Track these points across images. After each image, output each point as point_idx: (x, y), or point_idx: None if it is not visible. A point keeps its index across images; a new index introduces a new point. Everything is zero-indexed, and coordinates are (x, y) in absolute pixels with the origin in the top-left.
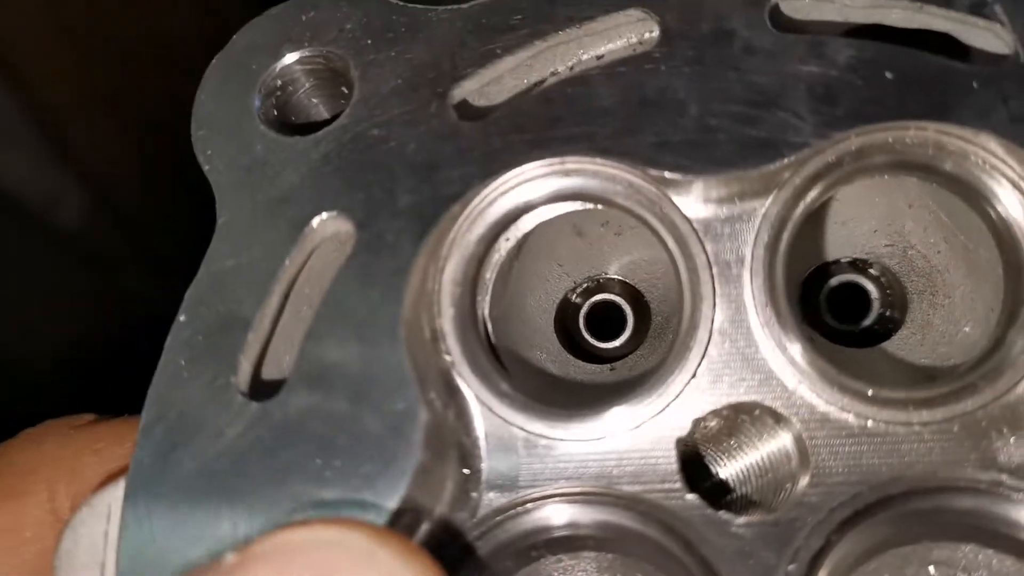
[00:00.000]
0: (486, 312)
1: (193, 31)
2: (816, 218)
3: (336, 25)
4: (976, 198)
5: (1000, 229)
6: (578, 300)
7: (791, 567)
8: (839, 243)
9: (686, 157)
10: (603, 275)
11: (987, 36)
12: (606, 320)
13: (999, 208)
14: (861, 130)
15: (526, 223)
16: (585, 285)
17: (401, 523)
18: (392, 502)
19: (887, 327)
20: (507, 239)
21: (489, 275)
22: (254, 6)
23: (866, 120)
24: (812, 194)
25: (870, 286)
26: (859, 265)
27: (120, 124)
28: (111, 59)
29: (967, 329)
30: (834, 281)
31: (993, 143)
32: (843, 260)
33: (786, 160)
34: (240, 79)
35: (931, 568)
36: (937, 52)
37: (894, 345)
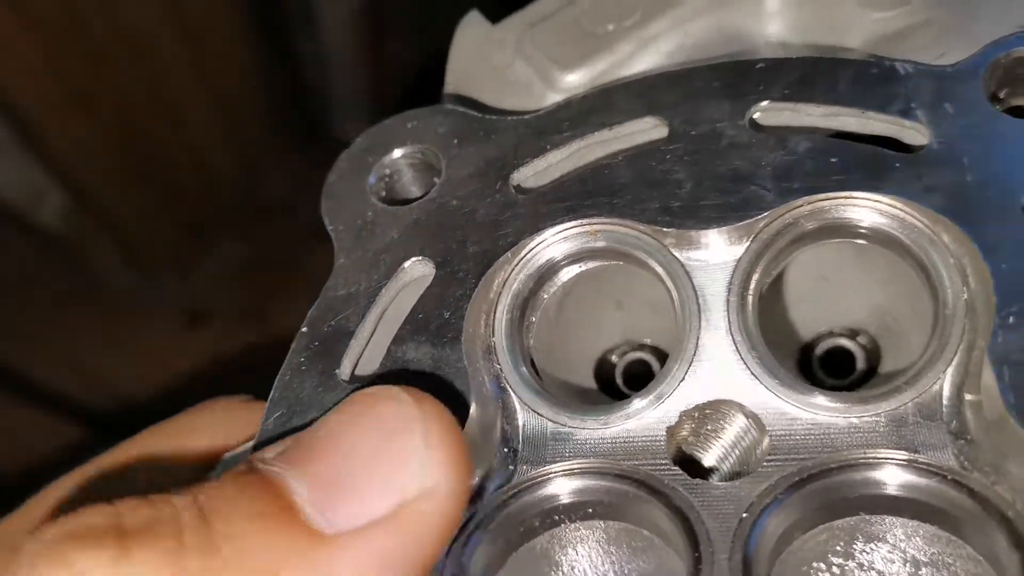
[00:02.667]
0: (531, 342)
1: (166, 28)
2: (810, 297)
3: (432, 129)
4: (904, 250)
5: (924, 271)
6: (614, 360)
7: (744, 515)
8: (830, 315)
9: (680, 217)
10: (638, 340)
11: (912, 133)
12: (637, 374)
13: (920, 255)
14: (811, 198)
15: (564, 275)
16: (623, 347)
17: None
18: None
19: (864, 377)
20: (551, 285)
21: (534, 314)
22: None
23: (815, 191)
24: (776, 246)
25: (856, 349)
26: (847, 333)
27: (98, 124)
28: (84, 58)
29: None
30: (827, 344)
31: (908, 206)
32: (835, 330)
33: (753, 218)
34: (358, 168)
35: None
36: (878, 143)
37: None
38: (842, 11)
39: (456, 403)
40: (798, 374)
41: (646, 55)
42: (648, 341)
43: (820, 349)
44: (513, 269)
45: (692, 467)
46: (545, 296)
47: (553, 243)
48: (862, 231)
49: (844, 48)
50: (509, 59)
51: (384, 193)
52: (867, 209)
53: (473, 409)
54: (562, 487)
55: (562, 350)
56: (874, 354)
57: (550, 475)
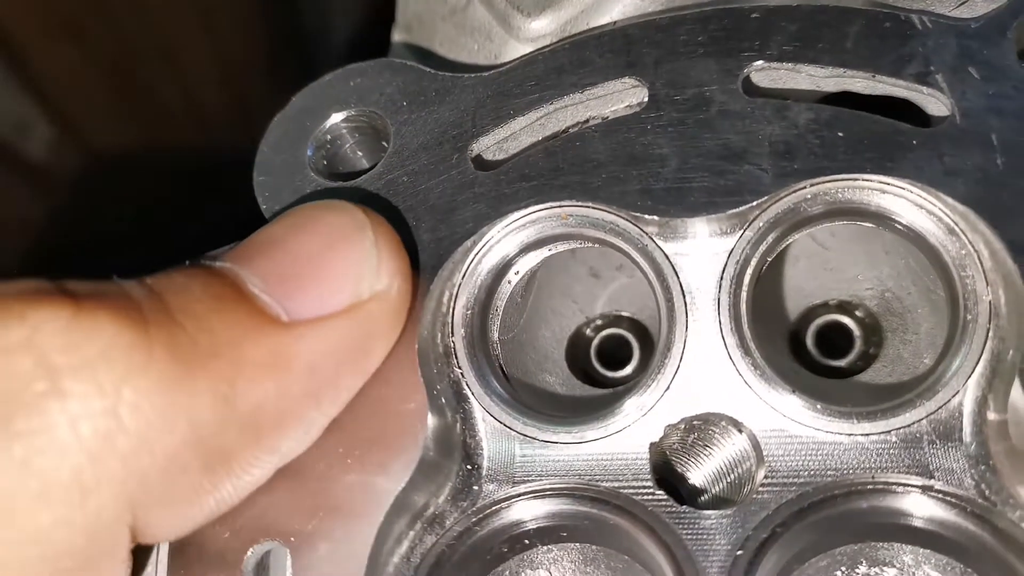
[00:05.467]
0: (495, 336)
1: None
2: (805, 263)
3: (378, 90)
4: (919, 241)
5: (941, 266)
6: (590, 334)
7: (739, 552)
8: (827, 286)
9: (664, 202)
10: (615, 312)
11: (931, 101)
12: (615, 352)
13: (937, 248)
14: (815, 181)
15: (532, 259)
16: (598, 321)
17: (410, 505)
18: (402, 486)
19: (865, 362)
20: (516, 272)
21: (499, 303)
22: None
23: (820, 173)
24: (772, 236)
25: (853, 326)
26: (844, 307)
27: (87, 56)
28: None
29: (927, 361)
30: (821, 320)
31: (926, 191)
32: (831, 302)
33: (749, 205)
34: (295, 135)
35: (868, 567)
36: (894, 115)
37: (867, 376)
38: None
39: (412, 418)
40: (790, 355)
41: (617, 4)
42: (627, 313)
43: (814, 326)
44: (472, 260)
45: (677, 482)
46: (510, 283)
47: (517, 230)
48: (872, 216)
49: None
50: (467, 1)
51: (325, 163)
52: (878, 192)
53: (430, 420)
54: (532, 511)
55: (531, 333)
56: (874, 332)
57: (518, 497)
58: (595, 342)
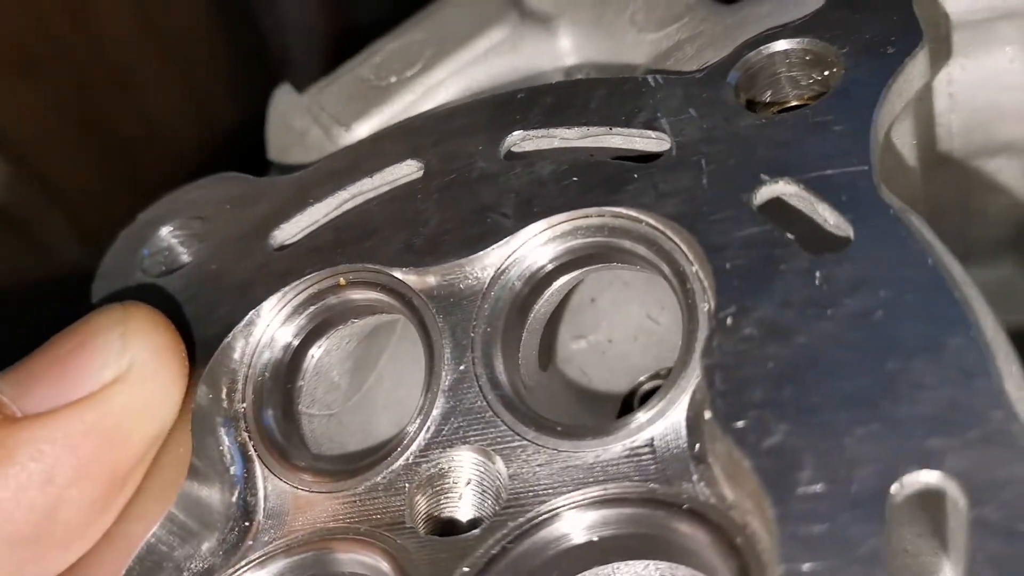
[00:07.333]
0: (304, 408)
1: None
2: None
3: (210, 199)
4: (653, 269)
5: (672, 286)
6: None
7: (465, 569)
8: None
9: (421, 255)
10: None
11: (657, 142)
12: None
13: (660, 267)
14: (548, 220)
15: (323, 339)
16: None
17: (179, 557)
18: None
19: None
20: (319, 346)
21: (304, 377)
22: None
23: (554, 213)
24: (514, 273)
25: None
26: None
27: (39, 89)
28: (25, 21)
29: None
30: (647, 387)
31: (643, 214)
32: (661, 371)
33: (490, 248)
34: (135, 244)
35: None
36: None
37: None
38: (625, 40)
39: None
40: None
41: (430, 102)
42: None
43: (641, 392)
44: (262, 333)
45: (440, 517)
46: (313, 357)
47: (295, 299)
48: (593, 252)
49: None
50: (307, 124)
51: (163, 267)
52: (606, 223)
53: (191, 487)
54: (307, 559)
55: (363, 416)
56: None
57: (289, 549)
58: None
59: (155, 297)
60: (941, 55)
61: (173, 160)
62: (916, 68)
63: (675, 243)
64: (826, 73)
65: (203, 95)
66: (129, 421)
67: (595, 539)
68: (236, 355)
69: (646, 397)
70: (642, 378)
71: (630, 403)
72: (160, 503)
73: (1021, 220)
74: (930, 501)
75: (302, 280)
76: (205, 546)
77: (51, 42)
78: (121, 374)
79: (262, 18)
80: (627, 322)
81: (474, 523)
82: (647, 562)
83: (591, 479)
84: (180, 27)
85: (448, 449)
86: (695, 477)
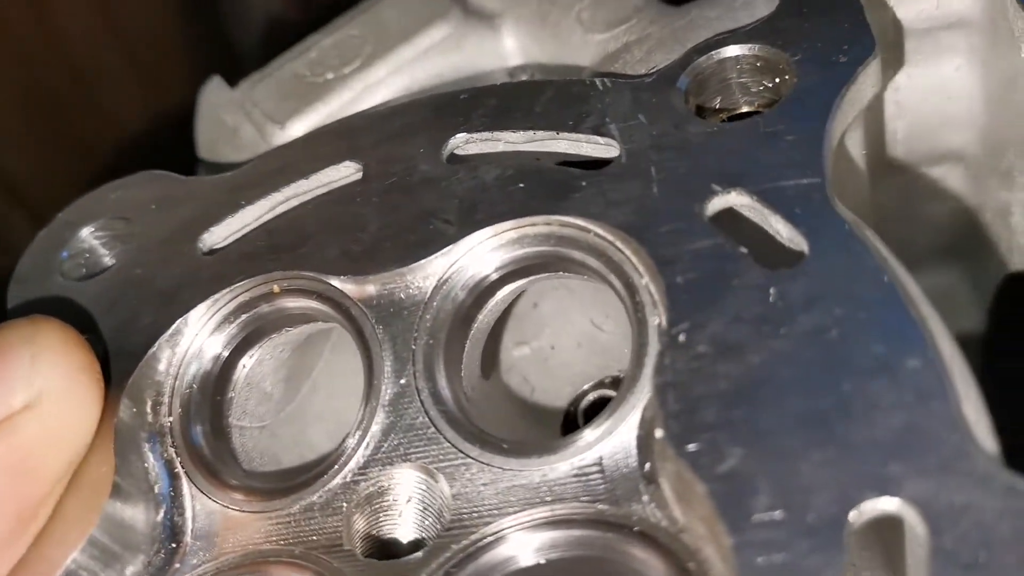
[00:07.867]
0: (233, 421)
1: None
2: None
3: (133, 199)
4: (601, 279)
5: (621, 299)
6: None
7: None
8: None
9: (359, 262)
10: None
11: (606, 149)
12: None
13: (609, 279)
14: (494, 228)
15: (254, 349)
16: None
17: None
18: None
19: None
20: (251, 355)
21: (234, 388)
22: None
23: (499, 220)
24: (457, 282)
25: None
26: (611, 383)
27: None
28: None
29: None
30: (591, 397)
31: (584, 222)
32: (605, 380)
33: (432, 256)
34: (54, 247)
35: None
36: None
37: None
38: (571, 41)
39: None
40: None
41: (368, 101)
42: None
43: (585, 402)
44: (190, 343)
45: (379, 537)
46: (244, 367)
47: (225, 307)
48: (540, 261)
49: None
50: (239, 121)
51: (83, 270)
52: (553, 232)
53: (114, 508)
54: None
55: (296, 427)
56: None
57: (220, 571)
58: None
59: (72, 305)
60: (891, 64)
61: (134, 157)
62: (868, 78)
63: (624, 254)
64: (777, 80)
65: (165, 91)
66: (39, 452)
67: (542, 562)
68: (162, 366)
69: (591, 408)
70: (586, 386)
71: (573, 413)
72: (81, 526)
73: (963, 227)
74: (886, 526)
75: (233, 287)
76: (130, 570)
77: (10, 38)
78: (31, 401)
79: (226, 10)
80: (570, 329)
81: (416, 545)
82: None
83: (538, 499)
84: (142, 21)
85: (388, 467)
86: (645, 498)
